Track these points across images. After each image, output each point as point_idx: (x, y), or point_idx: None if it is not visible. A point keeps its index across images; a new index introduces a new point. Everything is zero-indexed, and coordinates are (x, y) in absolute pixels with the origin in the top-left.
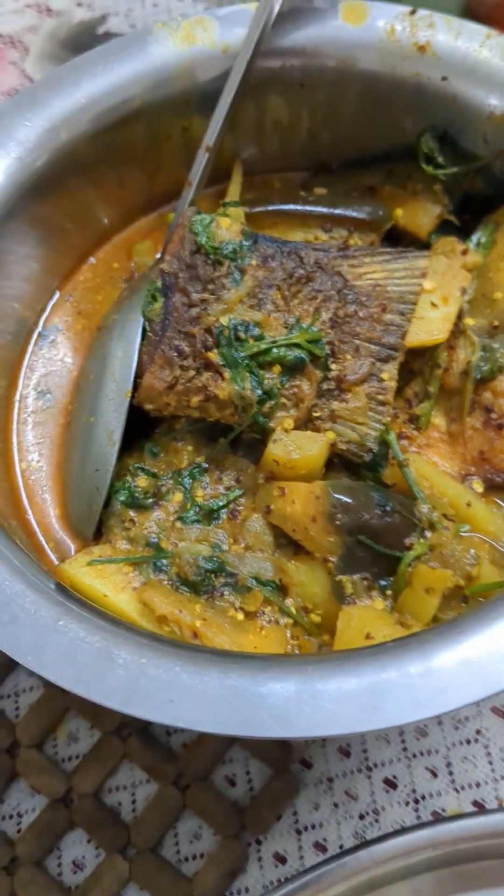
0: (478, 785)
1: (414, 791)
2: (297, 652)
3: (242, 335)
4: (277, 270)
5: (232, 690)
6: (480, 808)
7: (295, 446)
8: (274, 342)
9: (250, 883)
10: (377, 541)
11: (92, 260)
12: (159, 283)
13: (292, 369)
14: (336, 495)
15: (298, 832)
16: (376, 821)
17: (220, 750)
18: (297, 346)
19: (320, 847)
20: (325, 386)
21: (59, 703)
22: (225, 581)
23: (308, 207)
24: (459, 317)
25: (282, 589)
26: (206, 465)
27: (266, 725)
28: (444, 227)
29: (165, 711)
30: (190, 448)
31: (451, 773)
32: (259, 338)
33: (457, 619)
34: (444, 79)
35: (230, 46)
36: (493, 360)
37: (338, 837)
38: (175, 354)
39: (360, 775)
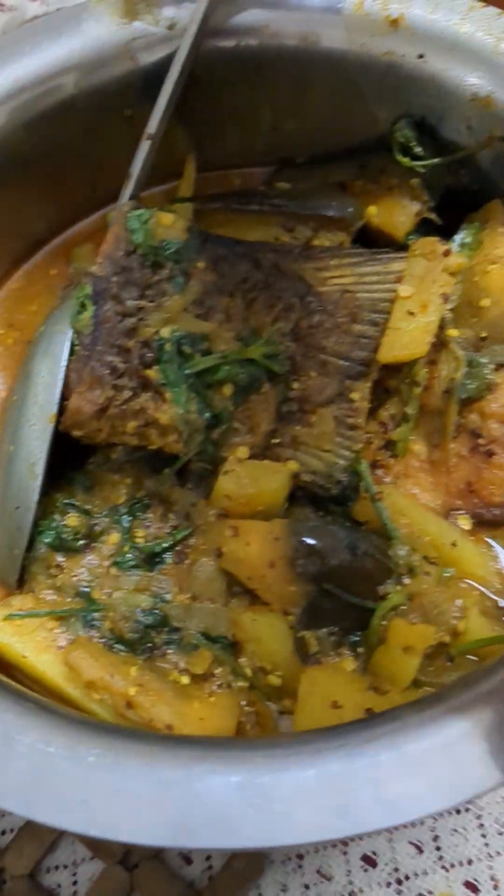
0: (469, 862)
1: (396, 870)
2: (253, 720)
3: (187, 349)
4: (229, 274)
5: (160, 787)
6: (473, 890)
7: (250, 479)
8: (224, 357)
9: None
10: (346, 589)
11: (26, 266)
12: (89, 290)
13: (246, 389)
14: (298, 537)
15: None
16: None
17: None
18: (252, 362)
19: None
20: (285, 408)
21: None
22: (167, 638)
23: (268, 205)
24: (441, 327)
25: (235, 646)
26: (149, 501)
27: (200, 833)
28: (423, 227)
29: (75, 815)
30: (129, 481)
31: (438, 849)
32: (207, 352)
33: (443, 690)
34: (420, 57)
35: (177, 23)
36: (479, 376)
37: None
38: (107, 372)
39: (335, 851)
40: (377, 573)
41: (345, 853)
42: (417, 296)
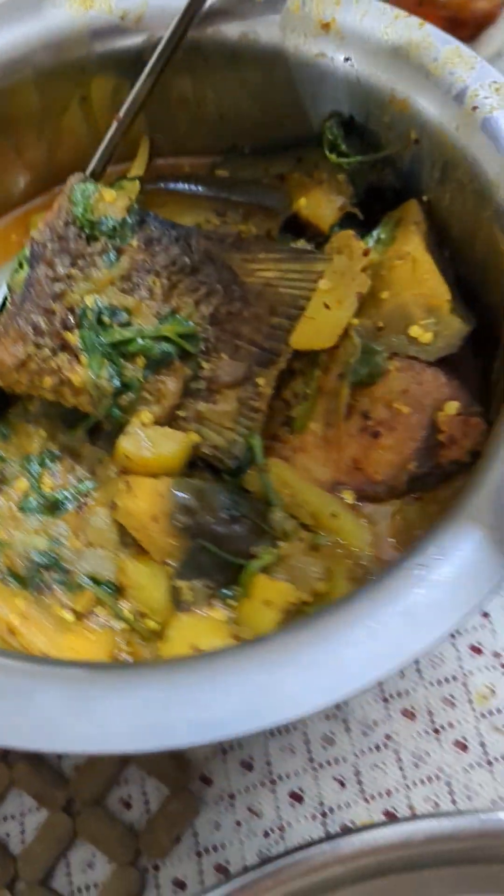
0: (388, 793)
1: (321, 804)
2: (128, 660)
3: (107, 320)
4: (160, 255)
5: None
6: (391, 818)
7: (150, 443)
8: (140, 332)
9: None
10: (220, 547)
11: None
12: (27, 251)
13: (158, 363)
14: (179, 494)
15: (199, 854)
16: (282, 838)
17: (113, 771)
18: (167, 339)
19: (222, 869)
20: (194, 385)
21: None
22: (58, 577)
23: (202, 189)
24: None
25: (119, 591)
26: (59, 454)
27: (31, 737)
28: (348, 221)
29: None
30: (43, 433)
31: (360, 783)
32: (126, 325)
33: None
34: (347, 60)
35: (128, 13)
36: (373, 363)
37: (241, 858)
38: (31, 330)
39: (264, 789)
40: (252, 535)
41: (273, 791)
42: (335, 291)
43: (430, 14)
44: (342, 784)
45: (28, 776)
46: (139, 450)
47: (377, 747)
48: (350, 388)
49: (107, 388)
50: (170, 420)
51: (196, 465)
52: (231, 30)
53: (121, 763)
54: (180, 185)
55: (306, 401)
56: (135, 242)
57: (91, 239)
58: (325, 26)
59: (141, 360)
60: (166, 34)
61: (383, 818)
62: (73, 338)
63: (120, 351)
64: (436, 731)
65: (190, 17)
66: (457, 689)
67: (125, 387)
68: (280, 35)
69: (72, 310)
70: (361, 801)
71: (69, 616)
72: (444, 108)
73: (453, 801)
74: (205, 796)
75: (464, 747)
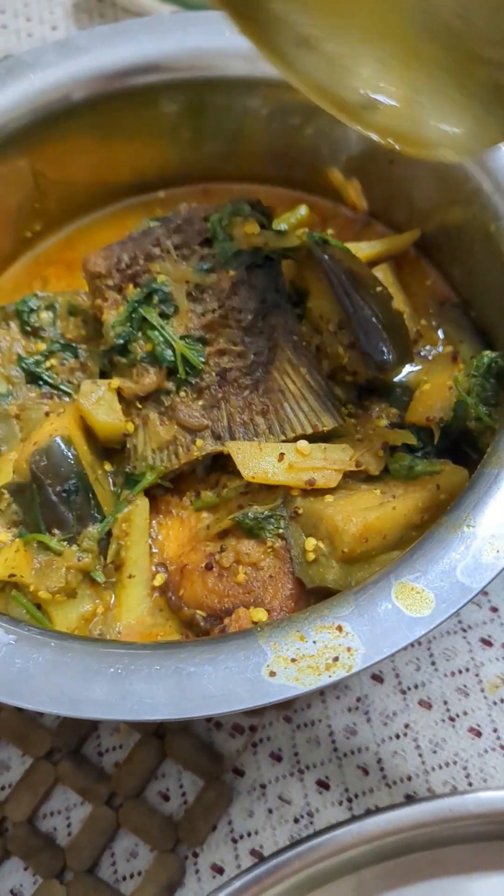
0: (409, 778)
1: (346, 790)
2: None
3: (155, 300)
4: (237, 298)
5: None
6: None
7: (96, 401)
8: (161, 329)
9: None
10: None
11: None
12: (163, 214)
13: (155, 359)
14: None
15: (234, 841)
16: (311, 823)
17: (152, 766)
18: (174, 351)
19: (257, 854)
20: (163, 397)
21: None
22: None
23: (349, 300)
24: None
25: None
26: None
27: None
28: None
29: None
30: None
31: (382, 770)
32: (164, 315)
33: None
34: None
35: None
36: (261, 529)
37: (274, 843)
38: (115, 260)
39: (293, 779)
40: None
41: (301, 780)
42: (315, 457)
43: None
44: (365, 771)
45: (72, 773)
46: (87, 397)
47: (397, 736)
48: (235, 524)
49: (112, 341)
50: (128, 403)
51: (116, 451)
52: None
53: (158, 758)
54: (334, 275)
55: (213, 498)
56: (231, 273)
57: (205, 243)
58: None
59: (147, 346)
60: None
61: (404, 800)
62: (130, 290)
63: (141, 326)
64: (451, 719)
65: None
66: (469, 679)
67: (124, 351)
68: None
69: (146, 272)
70: (384, 787)
71: None
72: None
73: (470, 784)
74: (238, 787)
75: (478, 734)
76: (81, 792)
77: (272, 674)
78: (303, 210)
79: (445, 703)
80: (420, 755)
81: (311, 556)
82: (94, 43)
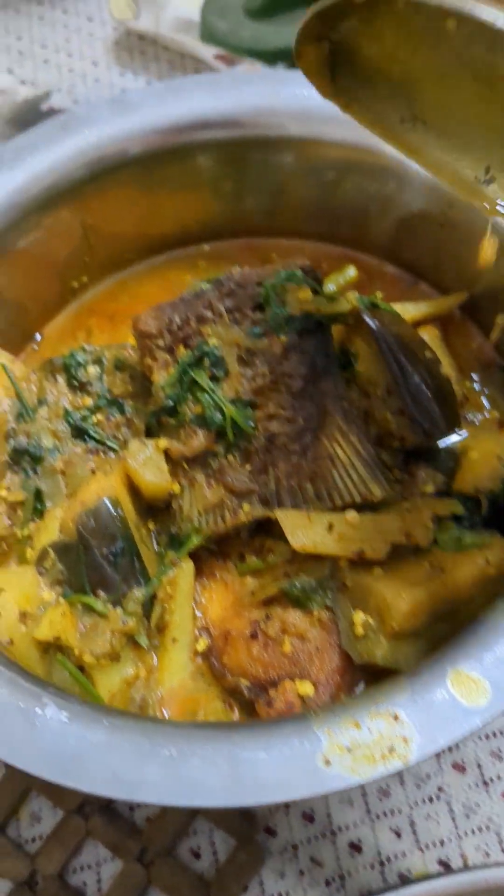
0: (442, 843)
1: (379, 853)
2: None
3: (206, 363)
4: (287, 363)
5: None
6: (445, 867)
7: (144, 460)
8: (212, 392)
9: None
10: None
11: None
12: (216, 277)
13: (204, 421)
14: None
15: None
16: (342, 886)
17: (184, 822)
18: (223, 414)
19: None
20: (211, 460)
21: (21, 783)
22: None
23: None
24: None
25: None
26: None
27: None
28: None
29: None
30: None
31: (415, 833)
32: (214, 378)
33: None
34: None
35: None
36: (308, 599)
37: None
38: (167, 320)
39: (325, 840)
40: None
41: (334, 842)
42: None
43: None
44: (398, 834)
45: (103, 828)
46: (135, 457)
47: (430, 799)
48: (282, 592)
49: (162, 402)
50: (175, 464)
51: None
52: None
53: (189, 815)
54: (384, 340)
55: (259, 564)
56: (283, 338)
57: (258, 308)
58: None
59: (197, 408)
60: None
61: (437, 867)
62: (181, 352)
63: (191, 389)
64: (485, 783)
65: None
66: None
67: (173, 412)
68: None
69: (198, 334)
70: (416, 851)
71: None
72: None
73: (503, 850)
74: (270, 847)
75: None
76: (112, 847)
77: (327, 762)
78: (351, 271)
79: (479, 766)
80: (453, 819)
81: (360, 630)
82: (149, 100)
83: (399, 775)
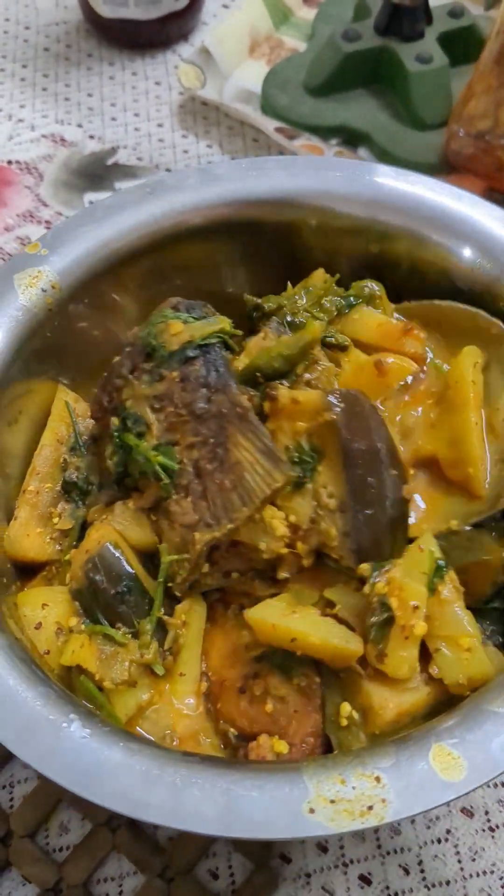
0: (447, 883)
1: (387, 888)
2: None
3: (129, 424)
4: (186, 394)
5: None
6: None
7: (124, 523)
8: (137, 447)
9: None
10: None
11: None
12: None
13: (145, 475)
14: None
15: None
16: None
17: (204, 843)
18: (148, 459)
19: None
20: (163, 504)
21: (52, 795)
22: None
23: None
24: None
25: None
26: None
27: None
28: None
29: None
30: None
31: (422, 871)
32: (140, 435)
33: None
34: None
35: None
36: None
37: None
38: (101, 400)
39: (337, 871)
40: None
41: (345, 873)
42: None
43: None
44: (406, 871)
45: (129, 843)
46: (118, 520)
47: (438, 840)
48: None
49: (114, 472)
50: (148, 517)
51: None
52: None
53: (210, 837)
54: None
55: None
56: (174, 374)
57: (148, 358)
58: None
59: (137, 466)
60: None
61: None
62: (114, 423)
63: (128, 450)
64: (491, 829)
65: None
66: None
67: (125, 475)
68: None
69: (121, 402)
70: (423, 889)
71: None
72: None
73: None
74: (284, 873)
75: None
76: (136, 862)
77: (311, 811)
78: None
79: (486, 812)
80: (459, 861)
81: (344, 721)
82: (232, 173)
83: None
